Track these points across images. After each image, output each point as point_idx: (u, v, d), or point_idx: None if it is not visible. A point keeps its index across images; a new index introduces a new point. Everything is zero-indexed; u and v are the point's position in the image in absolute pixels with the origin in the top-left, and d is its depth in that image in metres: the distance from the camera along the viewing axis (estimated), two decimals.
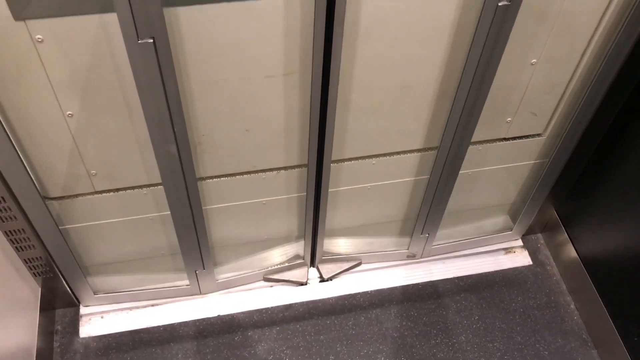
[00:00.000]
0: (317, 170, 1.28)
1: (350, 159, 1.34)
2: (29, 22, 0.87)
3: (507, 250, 1.73)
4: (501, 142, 1.39)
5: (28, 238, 1.26)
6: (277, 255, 1.62)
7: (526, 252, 1.72)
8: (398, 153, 1.35)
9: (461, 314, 1.58)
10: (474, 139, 1.29)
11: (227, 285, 1.59)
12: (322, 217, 1.43)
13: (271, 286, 1.62)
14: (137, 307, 1.55)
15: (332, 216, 1.51)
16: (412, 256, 1.68)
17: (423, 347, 1.51)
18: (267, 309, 1.57)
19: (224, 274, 1.58)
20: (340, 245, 1.65)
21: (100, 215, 1.32)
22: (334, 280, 1.63)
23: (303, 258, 1.61)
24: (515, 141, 1.40)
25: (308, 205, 1.39)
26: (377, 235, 1.66)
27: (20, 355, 1.30)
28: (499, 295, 1.62)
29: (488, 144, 1.38)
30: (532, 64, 1.19)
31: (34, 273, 1.38)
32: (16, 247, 1.28)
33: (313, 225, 1.47)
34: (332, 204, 1.45)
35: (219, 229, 1.45)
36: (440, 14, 1.03)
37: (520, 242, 1.74)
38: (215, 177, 1.28)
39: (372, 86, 1.15)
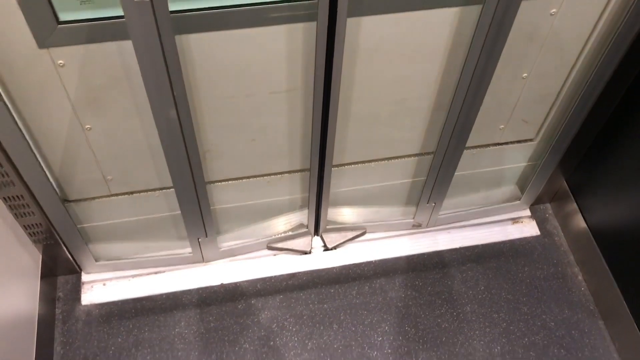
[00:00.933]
0: (320, 143, 1.25)
1: (350, 164, 1.43)
2: (51, 49, 0.97)
3: (515, 220, 1.70)
4: (494, 147, 1.48)
5: (27, 204, 1.24)
6: (280, 224, 1.60)
7: (534, 223, 1.69)
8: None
9: (467, 284, 1.56)
10: (468, 144, 1.36)
11: (231, 253, 1.58)
12: (327, 185, 1.40)
13: (275, 255, 1.60)
14: (140, 275, 1.54)
15: (337, 185, 1.49)
16: (417, 226, 1.65)
17: (427, 317, 1.50)
18: (270, 278, 1.56)
19: (227, 242, 1.56)
20: (344, 214, 1.63)
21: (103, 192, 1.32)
22: (338, 250, 1.62)
23: (307, 227, 1.59)
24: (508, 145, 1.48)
25: (312, 174, 1.36)
26: (382, 204, 1.63)
27: (22, 322, 1.29)
28: (505, 265, 1.60)
29: (481, 148, 1.47)
30: (523, 78, 1.27)
31: (34, 240, 1.37)
32: (15, 214, 1.26)
33: (317, 194, 1.44)
34: (336, 173, 1.43)
35: (222, 197, 1.43)
36: (435, 37, 1.11)
37: (528, 212, 1.71)
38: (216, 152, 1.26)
39: (370, 100, 1.23)
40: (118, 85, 1.06)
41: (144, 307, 1.49)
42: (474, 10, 1.06)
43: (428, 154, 1.43)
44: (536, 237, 1.66)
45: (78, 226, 1.38)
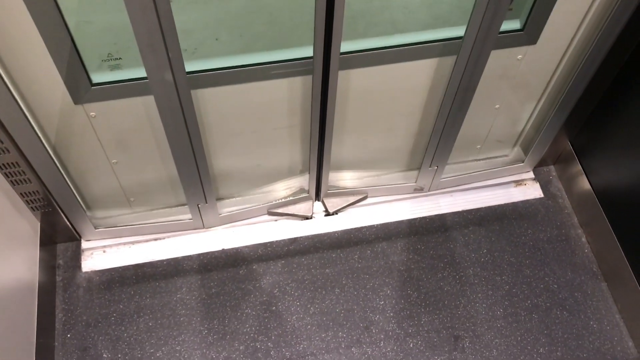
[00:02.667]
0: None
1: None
2: (85, 105, 1.15)
3: (518, 182, 1.68)
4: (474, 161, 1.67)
5: (23, 172, 1.22)
6: (281, 189, 1.58)
7: (537, 185, 1.67)
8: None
9: (469, 247, 1.55)
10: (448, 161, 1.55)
11: (231, 219, 1.56)
12: (328, 148, 1.38)
13: (276, 220, 1.59)
14: (140, 242, 1.53)
15: (338, 149, 1.47)
16: (419, 189, 1.63)
17: (430, 280, 1.49)
18: (271, 243, 1.55)
19: (227, 207, 1.55)
20: (346, 178, 1.61)
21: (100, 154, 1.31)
22: (339, 214, 1.60)
23: (308, 192, 1.57)
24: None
25: (313, 135, 1.34)
26: (384, 168, 1.61)
27: (23, 290, 1.28)
28: (508, 228, 1.59)
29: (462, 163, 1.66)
30: (496, 108, 1.46)
31: (32, 207, 1.35)
32: (11, 181, 1.24)
33: (318, 157, 1.42)
34: (338, 134, 1.40)
35: (221, 161, 1.41)
36: (416, 83, 1.32)
37: (531, 175, 1.69)
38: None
39: (361, 131, 1.44)
40: (141, 128, 1.25)
41: (145, 273, 1.48)
42: (450, 59, 1.24)
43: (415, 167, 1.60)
44: (539, 199, 1.65)
45: (76, 193, 1.36)
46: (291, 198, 1.57)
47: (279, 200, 1.57)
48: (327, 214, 1.59)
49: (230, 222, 1.57)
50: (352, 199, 1.61)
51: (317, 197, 1.60)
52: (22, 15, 0.96)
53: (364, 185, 1.62)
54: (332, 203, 1.60)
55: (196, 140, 1.22)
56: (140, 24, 0.91)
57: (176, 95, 1.09)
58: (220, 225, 1.56)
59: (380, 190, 1.62)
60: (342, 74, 1.23)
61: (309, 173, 1.49)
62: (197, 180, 1.35)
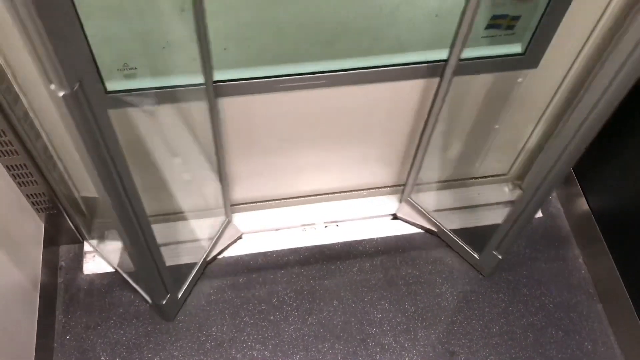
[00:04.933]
0: None
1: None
2: None
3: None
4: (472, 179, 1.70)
5: (30, 174, 1.23)
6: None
7: None
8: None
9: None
10: (448, 178, 1.64)
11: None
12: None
13: (276, 229, 1.60)
14: None
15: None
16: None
17: (427, 295, 1.51)
18: (272, 252, 1.56)
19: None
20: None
21: None
22: (339, 226, 1.62)
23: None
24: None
25: None
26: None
27: (25, 290, 1.30)
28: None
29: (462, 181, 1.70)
30: (495, 129, 1.48)
31: (37, 209, 1.37)
32: (18, 182, 1.26)
33: None
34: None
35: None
36: (405, 106, 1.37)
37: None
38: None
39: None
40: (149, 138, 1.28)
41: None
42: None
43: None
44: (538, 219, 1.66)
45: (79, 197, 1.38)
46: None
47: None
48: (328, 225, 1.61)
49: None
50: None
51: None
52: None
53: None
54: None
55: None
56: None
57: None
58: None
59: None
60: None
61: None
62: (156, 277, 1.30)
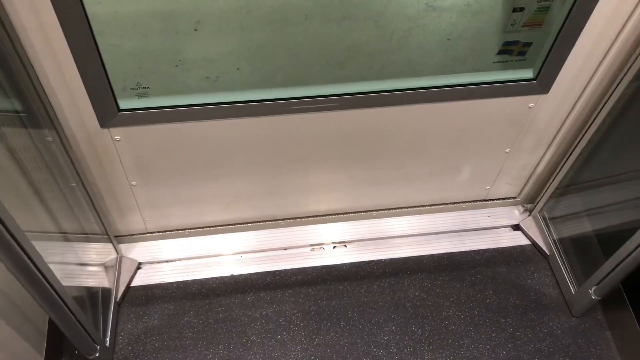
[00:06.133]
0: None
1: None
2: (111, 129, 1.23)
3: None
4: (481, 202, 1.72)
5: None
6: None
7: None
8: None
9: (475, 287, 1.57)
10: (457, 200, 1.68)
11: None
12: None
13: (285, 249, 1.61)
14: (150, 262, 1.55)
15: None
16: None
17: (435, 319, 1.50)
18: (280, 272, 1.57)
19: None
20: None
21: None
22: (348, 247, 1.62)
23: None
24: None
25: None
26: None
27: None
28: (515, 270, 1.60)
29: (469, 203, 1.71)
30: (506, 152, 1.51)
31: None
32: None
33: None
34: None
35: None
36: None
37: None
38: None
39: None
40: (159, 151, 1.31)
41: (154, 294, 1.50)
42: None
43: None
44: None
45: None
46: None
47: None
48: (336, 245, 1.62)
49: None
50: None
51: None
52: (59, 42, 1.01)
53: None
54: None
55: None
56: None
57: None
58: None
59: None
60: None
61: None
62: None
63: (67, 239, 1.30)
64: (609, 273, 1.32)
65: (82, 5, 0.96)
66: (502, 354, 1.46)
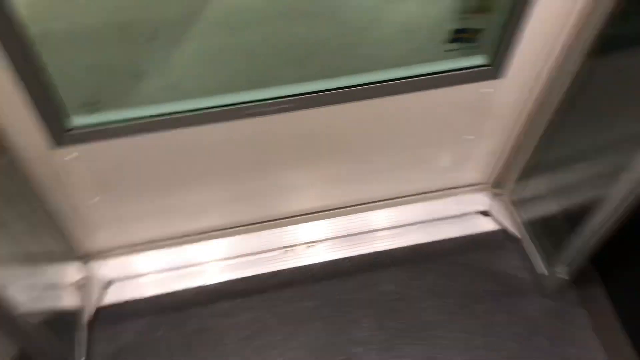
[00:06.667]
0: None
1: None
2: (66, 147, 1.18)
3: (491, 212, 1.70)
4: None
5: None
6: None
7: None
8: None
9: (449, 276, 1.56)
10: (426, 190, 1.66)
11: None
12: None
13: (257, 254, 1.59)
14: (118, 279, 1.53)
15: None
16: None
17: (410, 311, 1.50)
18: (254, 277, 1.55)
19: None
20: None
21: None
22: (321, 246, 1.61)
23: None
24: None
25: None
26: None
27: None
28: (487, 256, 1.61)
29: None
30: (470, 139, 1.50)
31: None
32: None
33: None
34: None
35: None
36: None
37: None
38: None
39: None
40: (117, 167, 1.28)
41: (127, 311, 1.48)
42: None
43: None
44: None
45: None
46: None
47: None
48: (308, 246, 1.61)
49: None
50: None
51: None
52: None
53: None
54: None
55: None
56: None
57: None
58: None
59: None
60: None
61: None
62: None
63: (31, 262, 1.27)
64: (577, 252, 1.33)
65: (19, 26, 0.93)
66: (480, 341, 1.46)
